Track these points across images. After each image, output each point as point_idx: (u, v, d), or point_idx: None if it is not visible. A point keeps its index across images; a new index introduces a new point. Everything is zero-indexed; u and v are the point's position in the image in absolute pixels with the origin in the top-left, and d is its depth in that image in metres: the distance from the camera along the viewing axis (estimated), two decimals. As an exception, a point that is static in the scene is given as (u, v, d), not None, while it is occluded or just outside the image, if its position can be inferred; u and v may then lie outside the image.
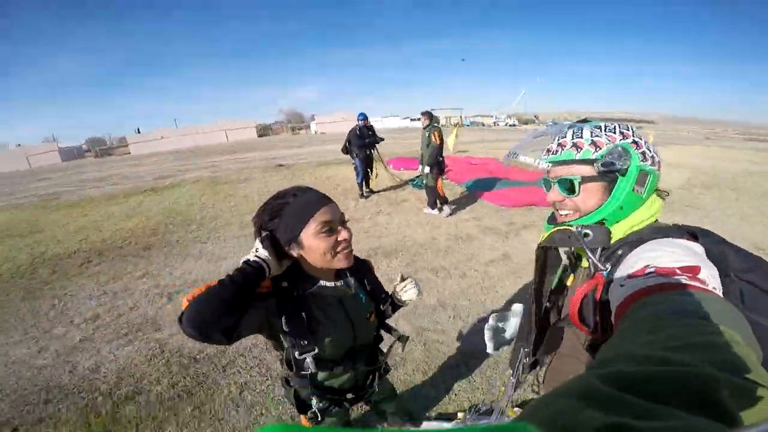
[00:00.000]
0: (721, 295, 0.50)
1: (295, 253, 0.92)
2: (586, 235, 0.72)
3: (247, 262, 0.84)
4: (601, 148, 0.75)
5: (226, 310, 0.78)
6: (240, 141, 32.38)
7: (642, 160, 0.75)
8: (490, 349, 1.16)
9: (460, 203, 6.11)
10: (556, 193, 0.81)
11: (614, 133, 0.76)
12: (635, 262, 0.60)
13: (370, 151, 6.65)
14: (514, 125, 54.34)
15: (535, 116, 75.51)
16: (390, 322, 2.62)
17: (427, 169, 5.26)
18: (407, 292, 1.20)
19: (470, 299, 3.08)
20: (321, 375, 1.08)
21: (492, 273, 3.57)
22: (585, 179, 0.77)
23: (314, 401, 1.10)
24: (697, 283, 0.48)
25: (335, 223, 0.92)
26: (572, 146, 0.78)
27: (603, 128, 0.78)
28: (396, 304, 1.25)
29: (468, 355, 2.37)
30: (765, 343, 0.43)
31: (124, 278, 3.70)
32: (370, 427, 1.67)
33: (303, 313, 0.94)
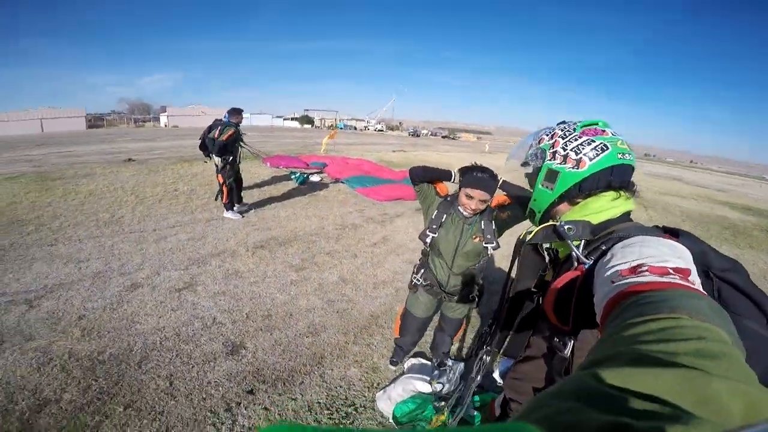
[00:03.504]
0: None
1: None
2: (569, 230, 0.73)
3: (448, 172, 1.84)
4: (529, 151, 0.89)
5: (428, 177, 1.87)
6: (63, 132, 26.28)
7: (550, 159, 0.82)
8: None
9: (347, 198, 6.78)
10: None
11: (547, 135, 0.86)
12: (625, 256, 0.58)
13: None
14: (382, 130, 59.35)
15: (399, 123, 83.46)
16: (300, 299, 3.00)
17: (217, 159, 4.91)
18: None
19: (365, 273, 3.74)
20: (432, 258, 1.92)
21: (377, 252, 4.32)
22: (528, 176, 0.91)
23: (420, 273, 1.96)
24: (688, 284, 0.48)
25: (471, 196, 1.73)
26: None
27: (545, 132, 0.88)
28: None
29: (375, 317, 2.97)
30: (745, 340, 0.45)
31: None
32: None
33: (444, 216, 1.82)
